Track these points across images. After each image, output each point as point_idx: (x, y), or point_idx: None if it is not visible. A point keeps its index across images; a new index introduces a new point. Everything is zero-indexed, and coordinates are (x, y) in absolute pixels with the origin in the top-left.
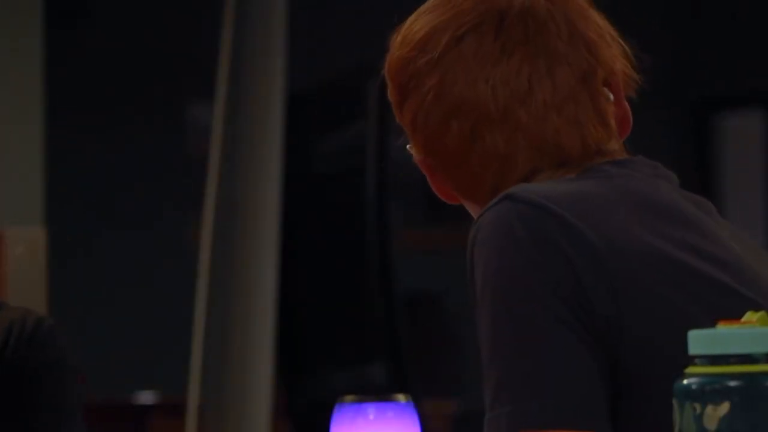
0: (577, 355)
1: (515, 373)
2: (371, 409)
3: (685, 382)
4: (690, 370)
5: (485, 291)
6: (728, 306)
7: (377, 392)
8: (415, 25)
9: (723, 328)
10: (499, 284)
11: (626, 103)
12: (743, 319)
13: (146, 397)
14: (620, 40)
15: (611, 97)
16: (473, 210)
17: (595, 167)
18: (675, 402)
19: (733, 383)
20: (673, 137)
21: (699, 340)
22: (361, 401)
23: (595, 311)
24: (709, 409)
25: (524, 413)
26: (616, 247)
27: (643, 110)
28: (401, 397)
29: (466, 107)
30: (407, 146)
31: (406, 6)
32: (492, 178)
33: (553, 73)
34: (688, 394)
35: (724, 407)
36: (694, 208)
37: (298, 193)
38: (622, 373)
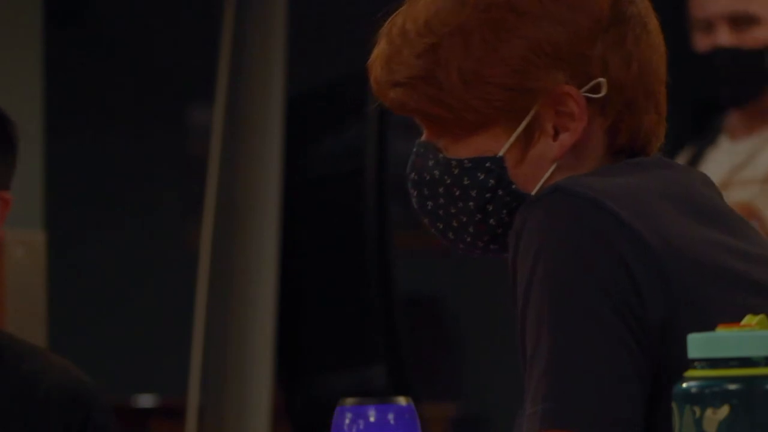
0: (618, 359)
1: (554, 372)
2: (371, 411)
3: (684, 385)
4: (689, 373)
5: (531, 287)
6: None
7: (377, 394)
8: None
9: (722, 331)
10: (547, 283)
11: None
12: (742, 322)
13: (146, 400)
14: None
15: None
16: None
17: (639, 159)
18: (674, 405)
19: (732, 386)
20: (673, 138)
21: (698, 344)
22: (361, 403)
23: (648, 312)
24: (709, 412)
25: (558, 412)
26: (670, 247)
27: None
28: (401, 399)
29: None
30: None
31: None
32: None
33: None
34: (688, 397)
35: (724, 410)
36: (722, 201)
37: (298, 193)
38: (667, 374)
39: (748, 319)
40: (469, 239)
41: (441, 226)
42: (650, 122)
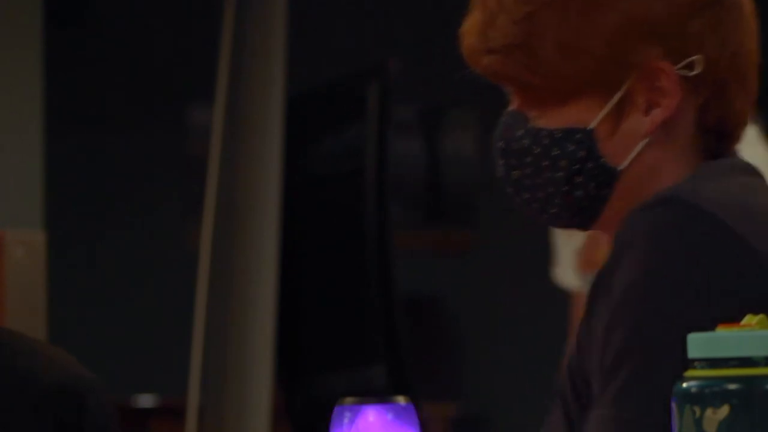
0: None
1: (642, 384)
2: (371, 411)
3: (684, 385)
4: (689, 373)
5: (631, 293)
6: None
7: (377, 394)
8: None
9: (722, 331)
10: (649, 293)
11: None
12: (743, 322)
13: (146, 400)
14: None
15: None
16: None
17: (732, 162)
18: (674, 405)
19: (732, 386)
20: None
21: (698, 344)
22: (360, 403)
23: None
24: (709, 412)
25: (637, 423)
26: None
27: None
28: (401, 399)
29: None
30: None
31: (405, 7)
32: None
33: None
34: (688, 397)
35: (724, 410)
36: None
37: (298, 193)
38: None
39: (748, 319)
40: (554, 211)
41: (526, 196)
42: (741, 106)
